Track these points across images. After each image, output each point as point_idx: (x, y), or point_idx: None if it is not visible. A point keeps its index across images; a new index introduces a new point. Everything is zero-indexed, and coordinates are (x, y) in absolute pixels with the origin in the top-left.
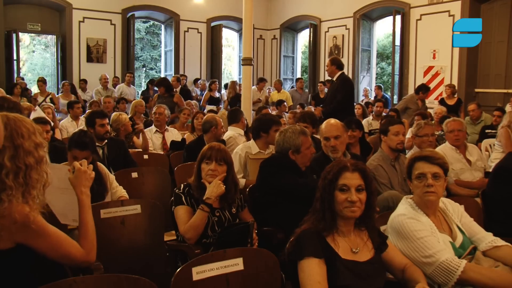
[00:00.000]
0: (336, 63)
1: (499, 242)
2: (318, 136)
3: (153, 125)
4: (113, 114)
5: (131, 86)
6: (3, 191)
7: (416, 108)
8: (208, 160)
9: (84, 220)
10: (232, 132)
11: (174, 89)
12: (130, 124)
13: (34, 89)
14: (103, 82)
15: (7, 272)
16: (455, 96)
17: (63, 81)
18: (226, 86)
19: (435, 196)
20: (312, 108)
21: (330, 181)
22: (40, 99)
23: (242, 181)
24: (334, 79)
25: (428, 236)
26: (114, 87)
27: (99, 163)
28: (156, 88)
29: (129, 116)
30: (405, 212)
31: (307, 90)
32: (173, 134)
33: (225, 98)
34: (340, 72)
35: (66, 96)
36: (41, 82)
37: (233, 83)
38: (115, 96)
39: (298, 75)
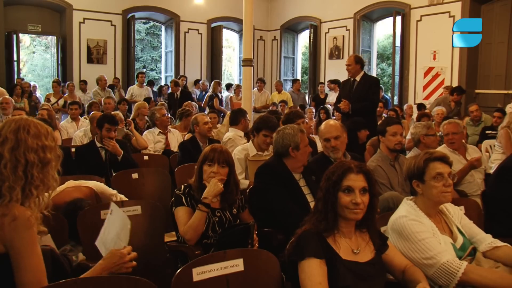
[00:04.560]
0: (361, 63)
1: (499, 243)
2: (312, 136)
3: (155, 127)
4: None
5: (144, 86)
6: (2, 182)
7: (448, 110)
8: (211, 162)
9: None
10: (231, 134)
11: (176, 95)
12: (122, 124)
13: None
14: (101, 83)
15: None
16: None
17: (68, 82)
18: (227, 87)
19: (451, 196)
20: (313, 109)
21: (335, 182)
22: (53, 100)
23: (245, 182)
24: (358, 78)
25: (429, 238)
26: (115, 88)
27: (101, 188)
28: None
29: (131, 117)
30: (406, 213)
31: (307, 91)
32: (175, 135)
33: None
34: (363, 72)
35: (71, 97)
36: (56, 83)
37: (215, 83)
38: (113, 97)
39: (299, 76)
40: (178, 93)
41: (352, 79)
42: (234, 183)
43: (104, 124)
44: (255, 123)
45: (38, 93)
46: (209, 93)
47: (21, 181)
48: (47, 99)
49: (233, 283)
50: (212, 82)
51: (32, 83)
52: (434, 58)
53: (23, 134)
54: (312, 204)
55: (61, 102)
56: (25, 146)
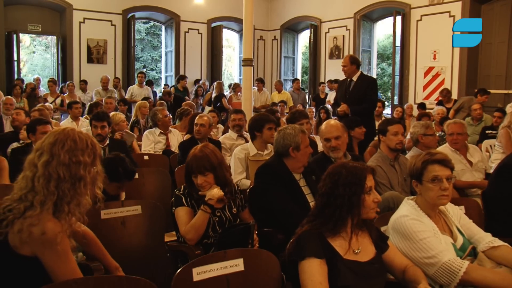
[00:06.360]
0: (357, 63)
1: (497, 242)
2: (312, 136)
3: (156, 127)
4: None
5: (144, 86)
6: (35, 194)
7: (467, 112)
8: (194, 174)
9: None
10: (227, 134)
11: (169, 102)
12: (125, 124)
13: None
14: (104, 83)
15: (24, 275)
16: (452, 98)
17: (68, 82)
18: (229, 86)
19: (448, 199)
20: (313, 109)
21: (362, 186)
22: (50, 99)
23: (246, 182)
24: (355, 79)
25: (430, 237)
26: (115, 88)
27: None
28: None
29: (135, 119)
30: (407, 213)
31: (307, 91)
32: (176, 136)
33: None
34: (359, 72)
35: (71, 97)
36: (51, 82)
37: (219, 83)
38: (115, 97)
39: (299, 76)
40: (171, 98)
41: (348, 79)
42: (224, 182)
43: (92, 121)
44: (253, 125)
45: (41, 88)
46: (214, 94)
47: (53, 196)
48: (44, 99)
49: (233, 283)
50: (215, 83)
51: (35, 76)
52: (434, 58)
53: (57, 149)
54: (312, 204)
55: (58, 101)
56: (58, 161)
